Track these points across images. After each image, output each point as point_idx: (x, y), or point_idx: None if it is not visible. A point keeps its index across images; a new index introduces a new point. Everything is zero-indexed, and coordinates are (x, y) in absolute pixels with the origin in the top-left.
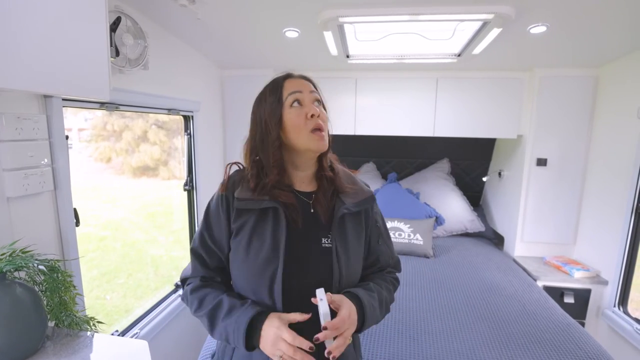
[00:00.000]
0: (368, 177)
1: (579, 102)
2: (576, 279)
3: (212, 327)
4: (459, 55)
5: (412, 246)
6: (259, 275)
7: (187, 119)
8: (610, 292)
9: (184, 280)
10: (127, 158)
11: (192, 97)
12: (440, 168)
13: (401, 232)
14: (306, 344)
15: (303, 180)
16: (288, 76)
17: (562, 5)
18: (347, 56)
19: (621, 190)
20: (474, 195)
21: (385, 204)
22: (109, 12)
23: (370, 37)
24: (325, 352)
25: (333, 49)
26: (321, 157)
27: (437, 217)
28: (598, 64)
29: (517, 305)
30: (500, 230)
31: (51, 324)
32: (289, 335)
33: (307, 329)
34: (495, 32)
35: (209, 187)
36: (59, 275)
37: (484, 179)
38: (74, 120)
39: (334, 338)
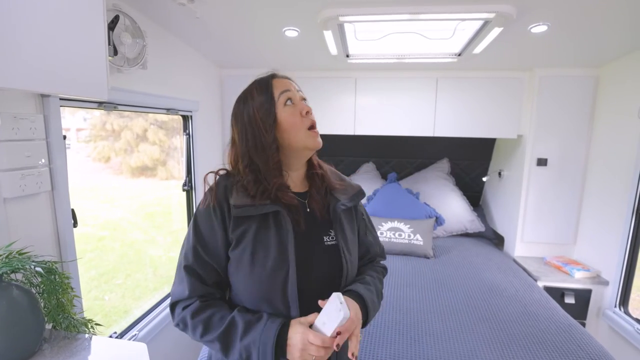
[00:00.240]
0: (368, 177)
1: (579, 102)
2: (577, 279)
3: (227, 350)
4: (459, 55)
5: (412, 246)
6: (269, 281)
7: (185, 118)
8: (611, 292)
9: (175, 304)
10: (125, 158)
11: (190, 96)
12: (440, 168)
13: (401, 233)
14: (333, 343)
15: (295, 181)
16: (274, 75)
17: (563, 5)
18: (347, 56)
19: (621, 190)
20: (474, 196)
21: (385, 204)
22: (107, 11)
23: (370, 37)
24: (349, 354)
25: (333, 49)
26: (310, 156)
27: (437, 217)
28: (598, 63)
29: (518, 306)
30: (500, 230)
31: (48, 326)
32: (316, 338)
33: None
34: (496, 32)
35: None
36: (57, 277)
37: (484, 179)
38: (72, 120)
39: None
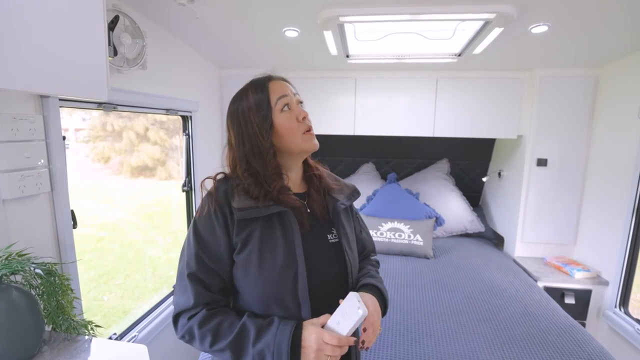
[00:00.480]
0: (367, 178)
1: (579, 102)
2: (577, 280)
3: (239, 357)
4: (459, 55)
5: (412, 247)
6: (278, 281)
7: (185, 119)
8: (611, 292)
9: (179, 315)
10: (125, 157)
11: (190, 97)
12: (440, 168)
13: (401, 233)
14: (351, 340)
15: (294, 182)
16: (270, 78)
17: (564, 5)
18: (347, 56)
19: (621, 190)
20: (474, 196)
21: (384, 204)
22: (107, 11)
23: (370, 37)
24: (360, 341)
25: (333, 49)
26: (306, 158)
27: (437, 218)
28: (598, 64)
29: (518, 306)
30: (500, 230)
31: (48, 328)
32: (332, 338)
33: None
34: (496, 32)
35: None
36: (56, 278)
37: (484, 179)
38: (71, 120)
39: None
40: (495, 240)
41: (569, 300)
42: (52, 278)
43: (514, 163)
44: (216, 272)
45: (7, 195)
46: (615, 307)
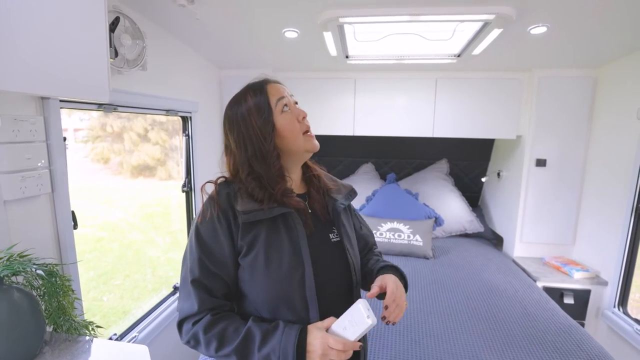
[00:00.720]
0: (367, 178)
1: (578, 102)
2: (576, 280)
3: None
4: (458, 56)
5: (411, 247)
6: (286, 281)
7: (185, 119)
8: (610, 292)
9: (183, 321)
10: (125, 157)
11: (190, 97)
12: (439, 168)
13: (400, 233)
14: (356, 345)
15: (295, 184)
16: (267, 81)
17: (563, 6)
18: (347, 56)
19: (620, 190)
20: (473, 196)
21: (384, 204)
22: (107, 12)
23: (370, 38)
24: (381, 316)
25: (332, 50)
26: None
27: (436, 218)
28: (597, 64)
29: (518, 306)
30: (500, 230)
31: (49, 328)
32: (338, 343)
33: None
34: (495, 33)
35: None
36: (57, 279)
37: (483, 179)
38: (69, 120)
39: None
40: (495, 240)
41: (568, 300)
42: (53, 279)
43: (513, 163)
44: (220, 277)
45: (8, 196)
46: (614, 307)
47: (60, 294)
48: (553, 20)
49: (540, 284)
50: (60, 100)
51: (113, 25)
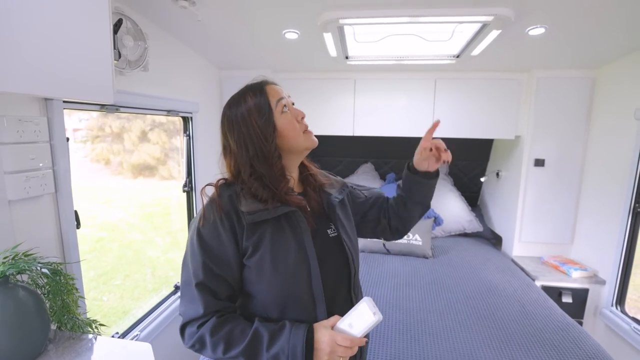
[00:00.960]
0: (366, 178)
1: (576, 103)
2: (574, 279)
3: None
4: (457, 57)
5: (411, 247)
6: (294, 281)
7: (186, 120)
8: (608, 291)
9: (187, 324)
10: (125, 157)
11: (191, 98)
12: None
13: None
14: (362, 341)
15: (294, 183)
16: (266, 82)
17: (561, 8)
18: (346, 57)
19: (618, 190)
20: (472, 196)
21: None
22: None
23: (370, 39)
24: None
25: (332, 50)
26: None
27: (435, 218)
28: (595, 65)
29: (516, 305)
30: (498, 230)
31: (53, 326)
32: (345, 340)
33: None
34: (494, 34)
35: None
36: (62, 278)
37: (482, 179)
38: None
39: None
40: (494, 240)
41: (567, 299)
42: (58, 277)
43: (511, 163)
44: (224, 279)
45: (12, 196)
46: (612, 305)
47: (65, 293)
48: (551, 21)
49: (538, 283)
50: (64, 101)
51: (116, 27)
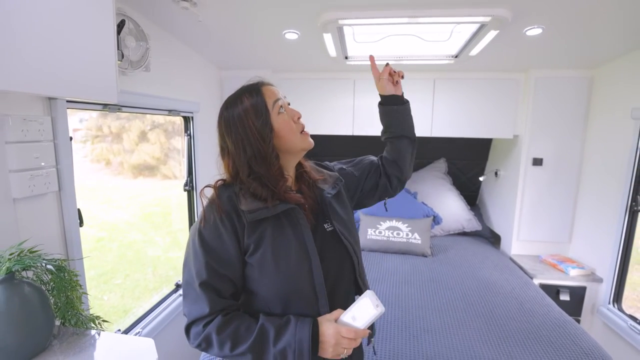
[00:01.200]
0: None
1: (574, 102)
2: (571, 277)
3: (260, 358)
4: (456, 57)
5: (410, 245)
6: (295, 276)
7: (187, 119)
8: (605, 289)
9: (192, 323)
10: (125, 157)
11: (192, 98)
12: (438, 168)
13: (399, 232)
14: (366, 333)
15: (291, 179)
16: (262, 84)
17: (558, 8)
18: (346, 57)
19: (615, 189)
20: (471, 195)
21: (382, 203)
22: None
23: (369, 39)
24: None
25: (332, 51)
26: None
27: (434, 217)
28: (593, 65)
29: (514, 302)
30: (497, 229)
31: (57, 322)
32: (350, 332)
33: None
34: (492, 34)
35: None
36: (66, 274)
37: (481, 178)
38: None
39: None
40: (492, 238)
41: (564, 297)
42: (62, 274)
43: (510, 163)
44: (227, 277)
45: (17, 194)
46: (609, 303)
47: (69, 289)
48: (548, 22)
49: (536, 281)
50: (67, 101)
51: (119, 28)
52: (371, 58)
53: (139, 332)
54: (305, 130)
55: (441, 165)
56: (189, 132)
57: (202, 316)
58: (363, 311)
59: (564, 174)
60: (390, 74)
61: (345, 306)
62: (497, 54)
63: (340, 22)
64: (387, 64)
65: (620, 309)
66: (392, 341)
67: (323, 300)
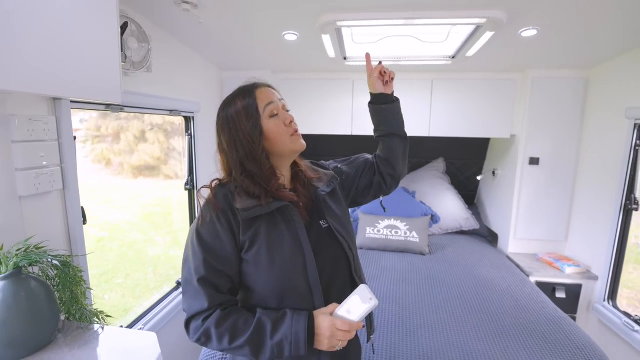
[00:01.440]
0: None
1: (570, 102)
2: (567, 275)
3: (258, 351)
4: (453, 58)
5: (408, 243)
6: (290, 272)
7: (187, 119)
8: (600, 287)
9: (192, 318)
10: (125, 158)
11: (192, 98)
12: (436, 167)
13: (398, 230)
14: (360, 325)
15: (286, 179)
16: (257, 86)
17: (552, 10)
18: (345, 58)
19: (611, 187)
20: (469, 194)
21: (380, 203)
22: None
23: (367, 40)
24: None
25: (331, 52)
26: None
27: (432, 216)
28: (588, 65)
29: (510, 299)
30: (495, 228)
31: (62, 317)
32: (344, 324)
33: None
34: (487, 36)
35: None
36: (70, 270)
37: (479, 177)
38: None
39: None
40: (490, 237)
41: (560, 294)
42: (67, 269)
43: (507, 162)
44: (225, 273)
45: (23, 192)
46: (604, 300)
47: (74, 284)
48: (543, 23)
49: (533, 279)
50: (71, 101)
51: (122, 30)
52: (367, 56)
53: (141, 328)
54: (298, 132)
55: (439, 164)
56: (190, 132)
57: (201, 311)
58: (357, 304)
59: (560, 173)
60: (381, 73)
61: (341, 301)
62: (493, 54)
63: (339, 23)
64: (380, 63)
65: (615, 306)
66: (390, 337)
67: (318, 295)
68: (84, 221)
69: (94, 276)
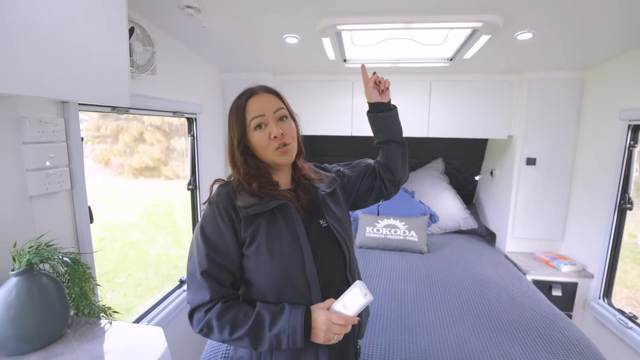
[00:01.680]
0: None
1: (566, 103)
2: (563, 273)
3: (257, 343)
4: (451, 60)
5: (407, 243)
6: (288, 268)
7: (190, 121)
8: (596, 285)
9: (195, 310)
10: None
11: (195, 99)
12: (435, 167)
13: (396, 229)
14: (355, 320)
15: (284, 181)
16: (251, 95)
17: (546, 15)
18: (344, 60)
19: (606, 187)
20: (467, 194)
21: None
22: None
23: (367, 42)
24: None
25: (331, 54)
26: (295, 161)
27: (431, 215)
28: (584, 67)
29: (506, 297)
30: (492, 227)
31: (71, 312)
32: (340, 318)
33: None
34: (484, 39)
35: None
36: (80, 267)
37: (477, 177)
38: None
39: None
40: (488, 236)
41: (556, 292)
42: (76, 266)
43: (505, 162)
44: (227, 268)
45: (33, 191)
46: (600, 298)
47: (82, 280)
48: (538, 27)
49: (529, 277)
50: (79, 104)
51: (129, 35)
52: (362, 67)
53: (147, 323)
54: (285, 146)
55: (438, 165)
56: (192, 132)
57: (204, 303)
58: (353, 300)
59: (557, 173)
60: (376, 83)
61: (340, 295)
62: (490, 57)
63: (339, 27)
64: (374, 73)
65: (610, 304)
66: (387, 334)
67: (316, 291)
68: (91, 220)
69: (96, 275)
